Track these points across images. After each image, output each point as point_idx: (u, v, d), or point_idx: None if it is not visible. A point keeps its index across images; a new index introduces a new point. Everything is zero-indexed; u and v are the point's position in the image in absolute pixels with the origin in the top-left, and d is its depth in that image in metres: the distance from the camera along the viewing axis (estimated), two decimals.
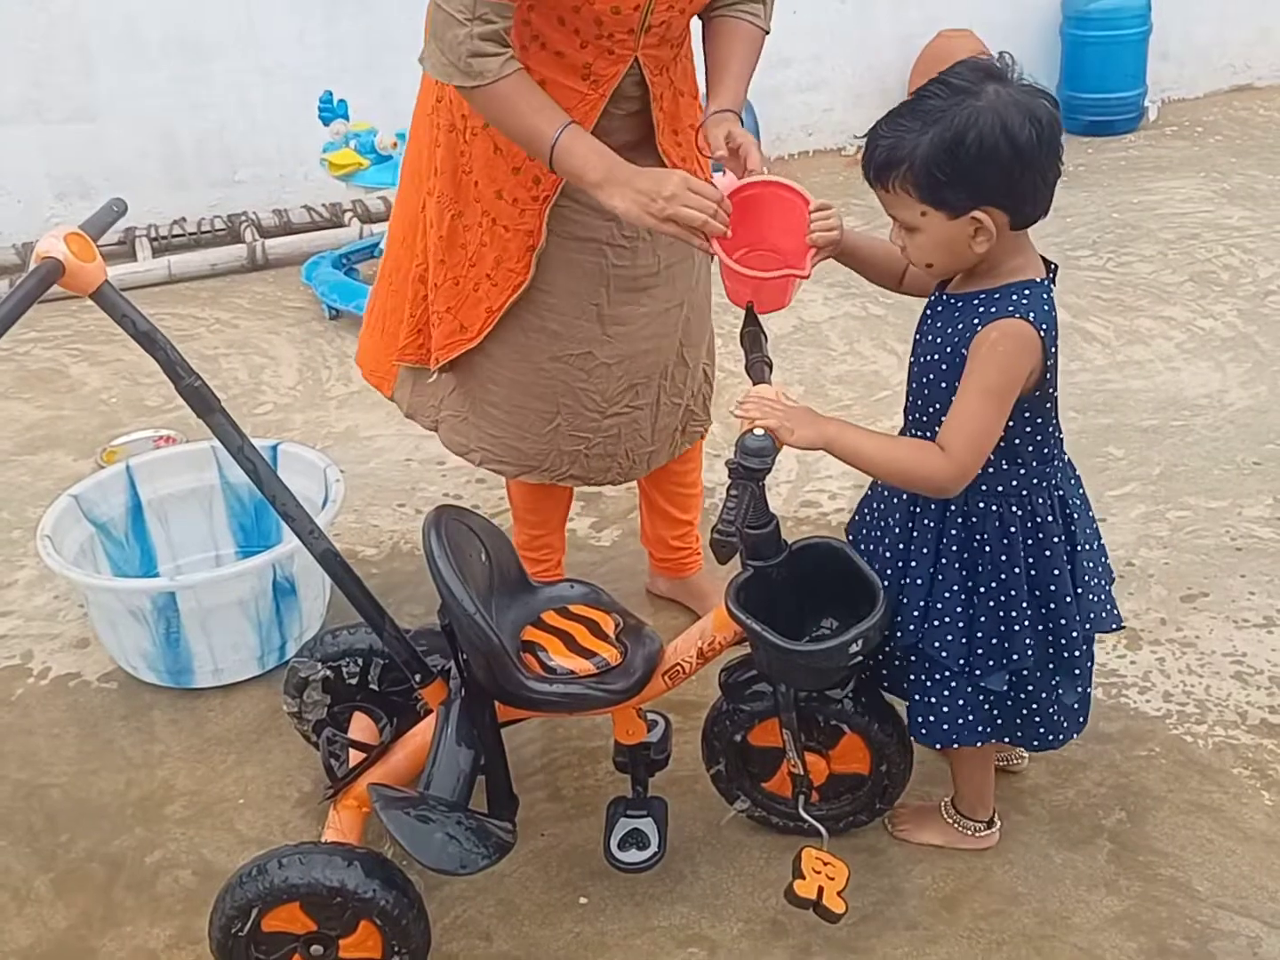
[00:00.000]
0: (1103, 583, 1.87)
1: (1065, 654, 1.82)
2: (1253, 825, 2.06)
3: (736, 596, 1.78)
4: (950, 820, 2.03)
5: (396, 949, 1.75)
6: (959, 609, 1.79)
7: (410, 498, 3.09)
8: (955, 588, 1.79)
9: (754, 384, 1.79)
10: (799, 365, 3.64)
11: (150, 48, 4.45)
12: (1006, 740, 1.92)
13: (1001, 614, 1.79)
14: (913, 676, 1.87)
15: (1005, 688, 1.83)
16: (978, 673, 1.81)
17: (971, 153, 1.56)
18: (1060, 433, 1.81)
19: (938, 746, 1.91)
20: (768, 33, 2.12)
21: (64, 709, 2.48)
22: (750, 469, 1.63)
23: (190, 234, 4.53)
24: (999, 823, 2.04)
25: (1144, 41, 5.35)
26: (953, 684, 1.84)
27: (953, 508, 1.77)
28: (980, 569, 1.78)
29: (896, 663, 1.90)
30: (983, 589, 1.78)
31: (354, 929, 1.74)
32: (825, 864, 1.85)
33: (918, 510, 1.81)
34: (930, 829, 2.05)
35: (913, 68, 5.22)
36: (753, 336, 1.89)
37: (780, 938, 1.91)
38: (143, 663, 2.47)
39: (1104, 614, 1.86)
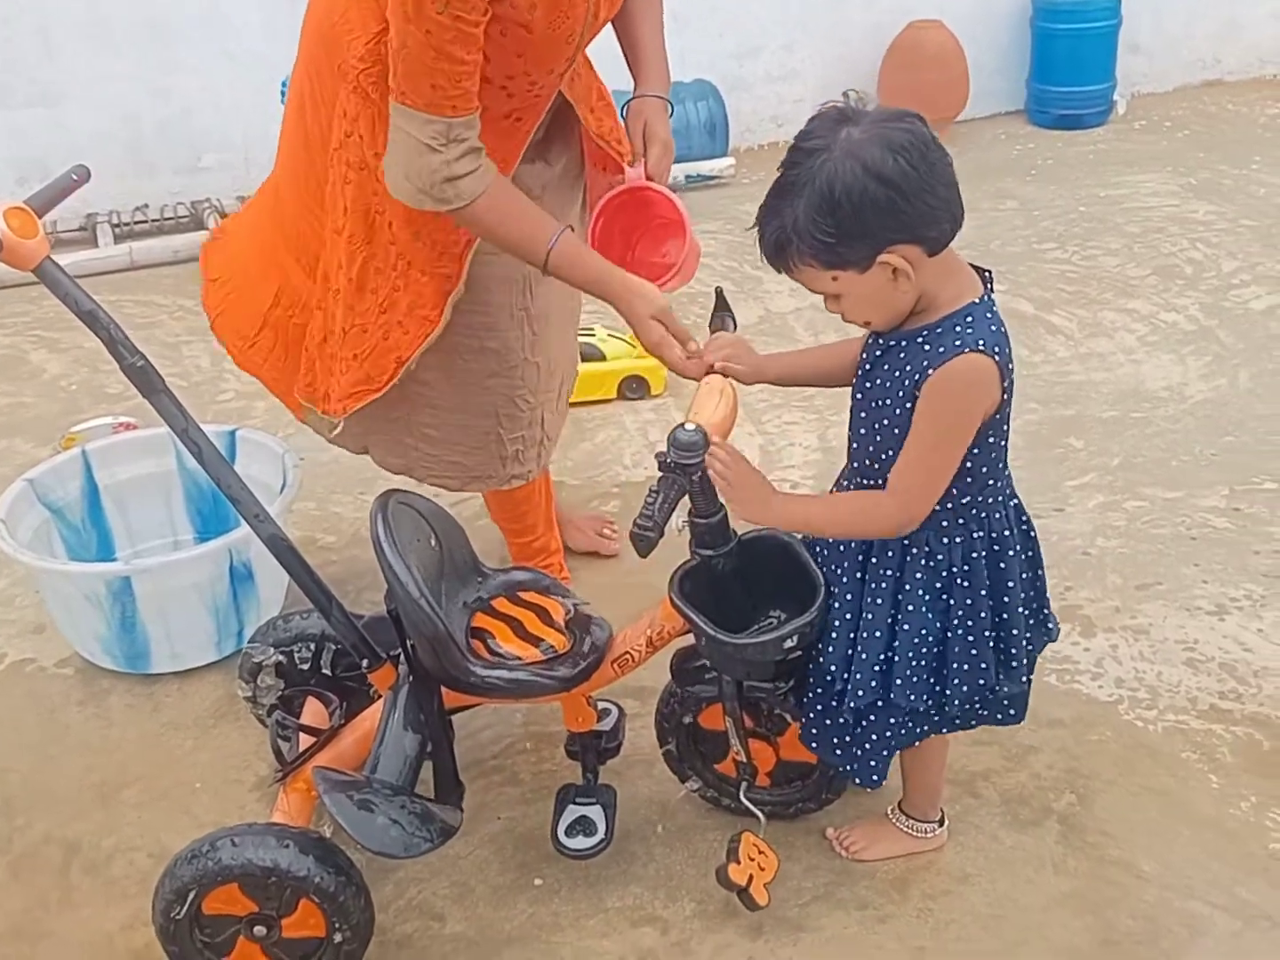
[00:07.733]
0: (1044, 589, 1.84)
1: (1009, 652, 1.77)
2: (1199, 809, 2.08)
3: (680, 585, 1.78)
4: (904, 827, 2.01)
5: (338, 925, 1.75)
6: (927, 650, 1.74)
7: (371, 486, 3.06)
8: (924, 632, 1.73)
9: (712, 332, 1.82)
10: None
11: (114, 32, 4.42)
12: (943, 731, 1.86)
13: (971, 638, 1.73)
14: (869, 733, 1.81)
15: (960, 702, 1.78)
16: (945, 709, 1.77)
17: (845, 205, 1.51)
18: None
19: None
20: None
21: (21, 695, 2.47)
22: (680, 464, 1.64)
23: (153, 220, 4.49)
24: (946, 820, 2.04)
25: (1114, 35, 5.36)
26: (909, 723, 1.80)
27: (914, 550, 1.71)
28: (951, 602, 1.72)
29: (845, 720, 1.81)
30: (954, 621, 1.72)
31: (294, 908, 1.74)
32: (760, 853, 1.86)
33: (873, 560, 1.74)
34: (884, 841, 2.01)
35: (883, 58, 5.24)
36: (720, 320, 1.90)
37: (732, 918, 1.92)
38: (99, 648, 2.46)
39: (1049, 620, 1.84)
